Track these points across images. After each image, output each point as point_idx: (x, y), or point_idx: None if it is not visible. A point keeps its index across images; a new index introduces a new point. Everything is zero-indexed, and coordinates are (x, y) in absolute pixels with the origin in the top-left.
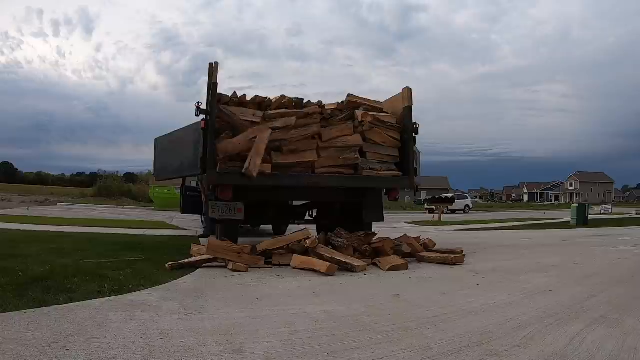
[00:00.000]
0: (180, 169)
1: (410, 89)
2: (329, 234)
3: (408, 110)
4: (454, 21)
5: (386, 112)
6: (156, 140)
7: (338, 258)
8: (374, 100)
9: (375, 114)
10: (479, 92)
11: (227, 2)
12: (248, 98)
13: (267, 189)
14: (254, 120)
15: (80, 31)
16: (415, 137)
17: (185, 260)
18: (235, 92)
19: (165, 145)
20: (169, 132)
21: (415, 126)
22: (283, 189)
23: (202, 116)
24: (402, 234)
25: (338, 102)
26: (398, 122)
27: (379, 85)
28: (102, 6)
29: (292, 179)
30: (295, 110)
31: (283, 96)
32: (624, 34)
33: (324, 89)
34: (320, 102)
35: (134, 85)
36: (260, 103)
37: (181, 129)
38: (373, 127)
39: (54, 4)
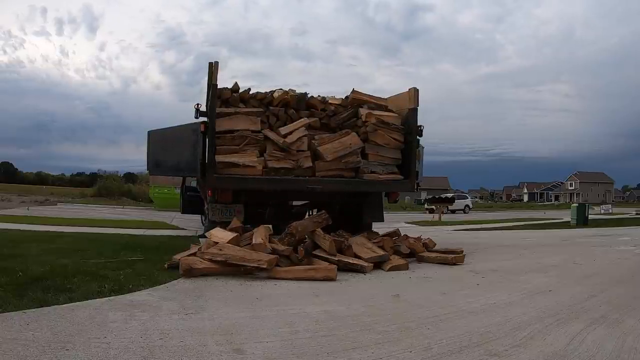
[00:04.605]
0: (177, 168)
1: (417, 90)
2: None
3: (413, 112)
4: (458, 21)
5: (391, 111)
6: (149, 133)
7: (345, 260)
8: (378, 97)
9: (379, 113)
10: (483, 92)
11: (233, 0)
12: (250, 93)
13: (268, 191)
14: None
15: (84, 30)
16: (419, 140)
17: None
18: (236, 83)
19: (160, 140)
20: (165, 127)
21: (419, 128)
22: (283, 190)
23: (202, 118)
24: (402, 234)
25: (342, 98)
26: (402, 123)
27: (382, 85)
28: (106, 5)
29: (292, 184)
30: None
31: (286, 92)
32: (627, 34)
33: (327, 88)
34: (323, 98)
35: (137, 84)
36: (261, 99)
37: (178, 126)
38: (377, 129)
39: (57, 2)
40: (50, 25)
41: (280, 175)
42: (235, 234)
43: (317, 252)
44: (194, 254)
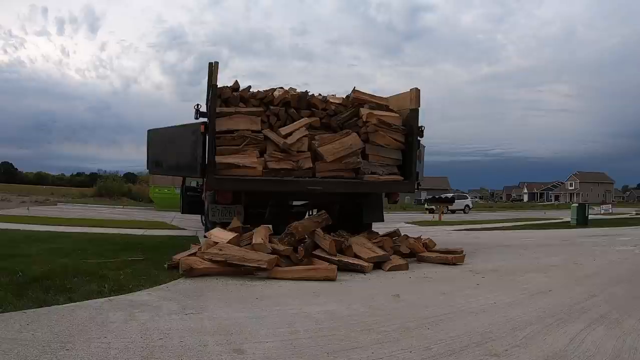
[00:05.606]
0: (177, 168)
1: (419, 90)
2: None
3: (415, 112)
4: (460, 21)
5: (392, 111)
6: (149, 132)
7: (345, 260)
8: (379, 97)
9: (380, 113)
10: (484, 92)
11: (234, 1)
12: (250, 91)
13: (268, 192)
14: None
15: (85, 30)
16: (419, 140)
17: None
18: (236, 82)
19: (159, 140)
20: (165, 126)
21: (420, 129)
22: (283, 191)
23: (202, 118)
24: (402, 234)
25: (343, 97)
26: (403, 124)
27: (383, 85)
28: (107, 5)
29: (292, 185)
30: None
31: (286, 91)
32: (629, 33)
33: (328, 88)
34: (324, 97)
35: (138, 84)
36: (262, 98)
37: (178, 126)
38: (378, 130)
39: (58, 2)
40: (51, 25)
41: (280, 176)
42: (235, 234)
43: (317, 252)
44: (194, 254)
